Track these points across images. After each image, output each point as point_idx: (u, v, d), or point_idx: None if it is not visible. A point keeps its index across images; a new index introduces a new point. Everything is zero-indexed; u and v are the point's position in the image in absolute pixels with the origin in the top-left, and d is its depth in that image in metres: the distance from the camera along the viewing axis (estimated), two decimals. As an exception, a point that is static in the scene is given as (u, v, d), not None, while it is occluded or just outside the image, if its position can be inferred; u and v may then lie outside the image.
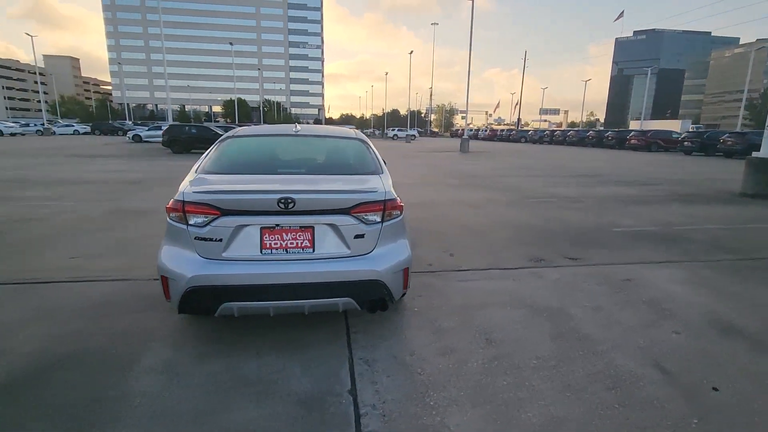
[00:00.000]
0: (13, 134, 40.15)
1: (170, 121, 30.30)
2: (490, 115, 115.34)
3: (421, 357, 2.68)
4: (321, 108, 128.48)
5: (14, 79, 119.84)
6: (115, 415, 2.10)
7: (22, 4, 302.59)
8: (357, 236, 2.56)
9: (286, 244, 2.51)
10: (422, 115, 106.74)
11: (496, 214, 7.09)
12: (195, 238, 2.44)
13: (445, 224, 6.35)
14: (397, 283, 2.70)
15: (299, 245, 2.52)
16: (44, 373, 2.42)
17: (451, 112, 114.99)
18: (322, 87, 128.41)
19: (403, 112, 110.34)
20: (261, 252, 2.49)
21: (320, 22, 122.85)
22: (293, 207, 2.44)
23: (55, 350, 2.66)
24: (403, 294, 2.86)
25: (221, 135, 18.81)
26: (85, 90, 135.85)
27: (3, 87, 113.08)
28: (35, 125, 46.67)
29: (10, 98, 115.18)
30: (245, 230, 2.47)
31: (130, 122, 57.59)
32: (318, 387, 2.35)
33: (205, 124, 24.39)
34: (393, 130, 58.69)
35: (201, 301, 2.44)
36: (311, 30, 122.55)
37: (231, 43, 66.10)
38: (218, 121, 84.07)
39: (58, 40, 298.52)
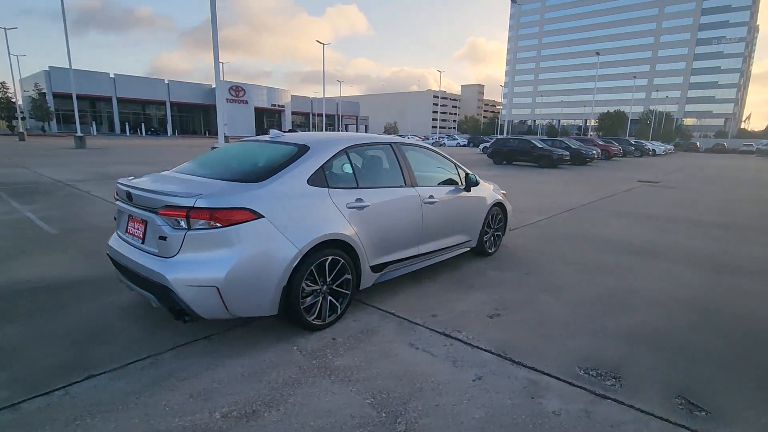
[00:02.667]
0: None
1: (541, 136, 32.53)
2: None
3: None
4: (731, 117, 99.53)
5: (440, 105, 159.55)
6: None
7: (463, 48, 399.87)
8: (161, 237, 2.68)
9: (133, 231, 2.96)
10: None
11: None
12: (113, 218, 3.36)
13: None
14: (203, 299, 2.58)
15: (137, 234, 2.92)
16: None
17: None
18: (739, 91, 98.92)
19: None
20: (125, 233, 3.08)
21: (750, 7, 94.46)
22: (133, 201, 2.93)
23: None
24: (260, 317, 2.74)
25: (540, 148, 19.22)
26: (484, 110, 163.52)
27: (435, 111, 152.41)
28: (433, 138, 61.17)
29: (434, 119, 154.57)
30: (123, 215, 3.12)
31: (494, 135, 65.05)
32: (141, 345, 2.83)
33: (527, 137, 24.80)
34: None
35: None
36: (733, 20, 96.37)
37: (598, 53, 62.12)
38: (595, 135, 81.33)
39: (480, 72, 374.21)
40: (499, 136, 28.28)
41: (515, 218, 7.53)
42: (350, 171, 3.46)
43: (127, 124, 65.65)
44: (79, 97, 61.47)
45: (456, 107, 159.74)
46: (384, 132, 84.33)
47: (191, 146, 32.54)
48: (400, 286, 4.08)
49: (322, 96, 49.35)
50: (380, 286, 3.97)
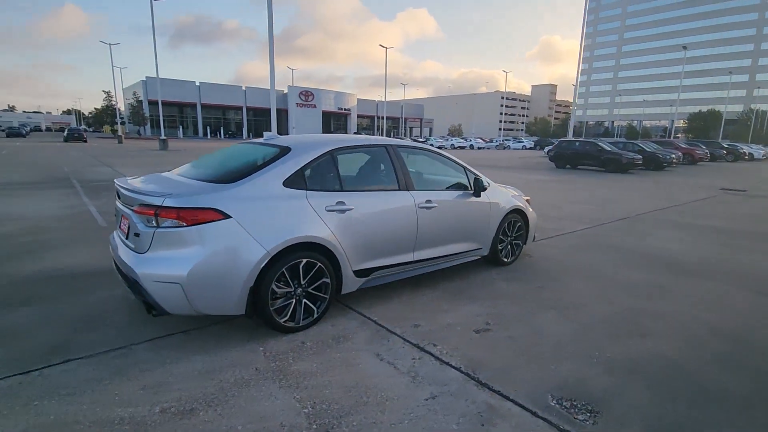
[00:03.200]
0: (479, 148, 53.08)
1: (618, 138, 30.45)
2: None
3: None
4: None
5: (509, 107, 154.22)
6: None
7: (536, 47, 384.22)
8: (135, 234, 2.81)
9: (122, 228, 3.11)
10: None
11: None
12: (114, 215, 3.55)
13: None
14: (167, 295, 2.68)
15: (123, 230, 3.07)
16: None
17: None
18: None
19: None
20: (118, 229, 3.25)
21: None
22: (121, 199, 3.09)
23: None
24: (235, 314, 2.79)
25: (609, 151, 18.07)
26: (556, 111, 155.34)
27: (502, 113, 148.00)
28: (497, 141, 59.27)
29: (502, 121, 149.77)
30: (118, 213, 3.27)
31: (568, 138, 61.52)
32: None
33: (594, 140, 22.93)
34: None
35: None
36: None
37: (684, 47, 56.03)
38: (682, 137, 73.85)
39: (555, 71, 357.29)
40: (563, 138, 26.53)
41: (554, 226, 7.04)
42: (334, 173, 3.41)
43: (208, 127, 71.26)
44: (169, 104, 68.21)
45: (525, 108, 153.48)
46: (448, 135, 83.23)
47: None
48: (396, 292, 3.96)
49: (384, 99, 49.67)
50: (373, 292, 3.89)
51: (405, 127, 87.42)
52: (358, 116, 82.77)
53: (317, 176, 3.32)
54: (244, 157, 3.47)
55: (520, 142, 59.35)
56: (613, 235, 6.64)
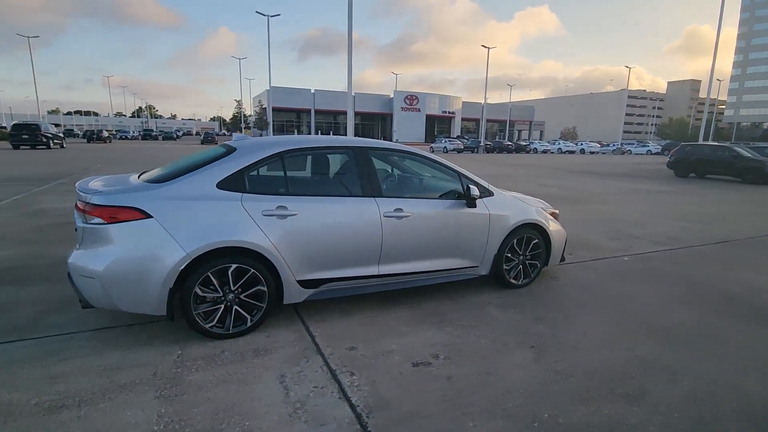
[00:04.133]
0: (591, 152, 48.05)
1: None
2: None
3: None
4: None
5: (636, 107, 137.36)
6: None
7: (680, 39, 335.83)
8: (76, 228, 2.93)
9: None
10: None
11: None
12: None
13: None
14: (90, 289, 2.75)
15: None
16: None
17: None
18: None
19: None
20: None
21: None
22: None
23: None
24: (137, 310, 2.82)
25: (747, 158, 15.58)
26: (698, 111, 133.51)
27: (631, 114, 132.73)
28: (614, 145, 53.06)
29: (627, 123, 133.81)
30: None
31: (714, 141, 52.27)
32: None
33: (729, 144, 18.73)
34: None
35: None
36: None
37: None
38: None
39: (700, 66, 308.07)
40: (689, 142, 22.32)
41: (618, 245, 5.99)
42: (281, 177, 3.23)
43: (320, 131, 76.60)
44: (288, 110, 74.99)
45: (658, 108, 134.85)
46: (560, 138, 76.81)
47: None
48: (364, 306, 3.63)
49: (484, 102, 47.91)
50: (338, 304, 3.61)
51: (511, 130, 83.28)
52: (463, 119, 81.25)
53: (260, 179, 3.17)
54: (196, 158, 3.47)
55: (644, 146, 52.22)
56: (693, 262, 5.32)
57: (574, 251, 5.66)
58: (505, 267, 4.08)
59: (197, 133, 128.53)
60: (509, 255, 4.07)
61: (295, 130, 75.81)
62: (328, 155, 3.59)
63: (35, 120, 33.11)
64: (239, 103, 71.68)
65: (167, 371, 2.60)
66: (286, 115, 76.86)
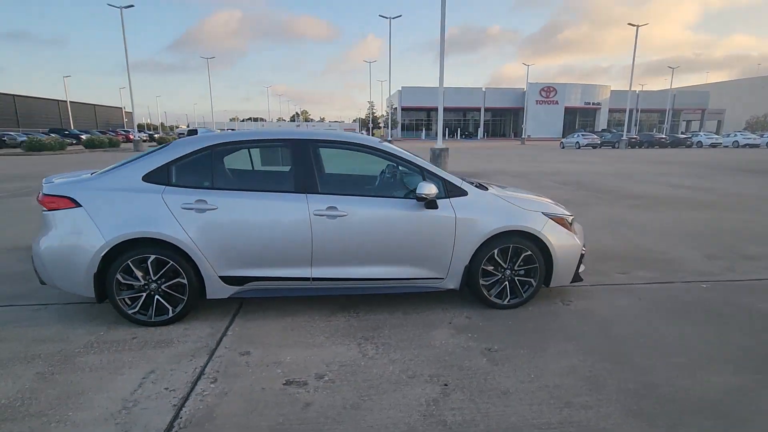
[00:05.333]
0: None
1: None
2: None
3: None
4: None
5: None
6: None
7: None
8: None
9: None
10: None
11: None
12: None
13: None
14: (38, 267, 3.05)
15: None
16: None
17: None
18: None
19: None
20: None
21: None
22: None
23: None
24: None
25: None
26: None
27: None
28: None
29: None
30: None
31: None
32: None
33: None
34: None
35: None
36: None
37: None
38: None
39: None
40: None
41: (707, 266, 4.52)
42: (207, 170, 3.18)
43: (447, 129, 76.17)
44: (417, 109, 76.45)
45: None
46: (745, 128, 61.34)
47: (477, 149, 34.70)
48: (307, 309, 3.39)
49: (629, 89, 41.36)
50: (285, 304, 3.45)
51: (675, 121, 70.38)
52: (611, 110, 71.67)
53: (186, 172, 3.17)
54: (143, 153, 3.62)
55: None
56: (813, 298, 3.67)
57: (636, 268, 4.45)
58: (482, 282, 3.37)
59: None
60: (489, 268, 3.35)
61: (423, 129, 76.75)
62: (266, 148, 3.43)
63: (195, 126, 40.35)
64: (371, 104, 75.54)
65: (71, 350, 2.79)
66: (416, 114, 78.33)
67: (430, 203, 3.20)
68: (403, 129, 78.12)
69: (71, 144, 35.34)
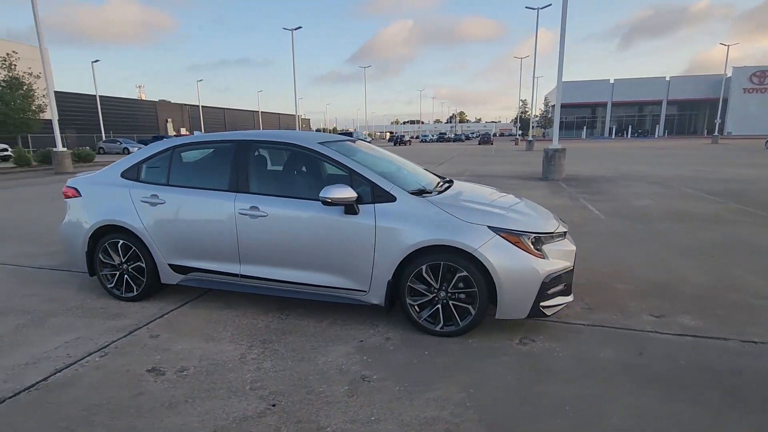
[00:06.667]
0: None
1: None
2: None
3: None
4: None
5: None
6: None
7: None
8: None
9: None
10: None
11: None
12: None
13: None
14: (64, 246, 3.82)
15: None
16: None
17: None
18: None
19: None
20: None
21: None
22: None
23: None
24: None
25: None
26: None
27: None
28: None
29: None
30: None
31: None
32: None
33: None
34: None
35: None
36: None
37: None
38: None
39: None
40: None
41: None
42: (165, 169, 3.52)
43: (614, 127, 66.72)
44: (581, 105, 68.96)
45: None
46: None
47: (637, 149, 29.73)
48: (250, 304, 3.49)
49: None
50: (235, 299, 3.63)
51: None
52: None
53: (150, 170, 3.58)
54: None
55: None
56: None
57: (687, 313, 3.29)
58: (409, 301, 2.95)
59: (494, 134, 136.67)
60: (419, 287, 2.91)
61: (585, 126, 68.88)
62: (214, 149, 3.61)
63: (350, 132, 43.97)
64: (524, 102, 71.05)
65: (53, 310, 3.46)
66: (578, 111, 70.74)
67: (349, 208, 2.94)
68: (561, 128, 71.65)
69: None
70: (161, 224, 3.41)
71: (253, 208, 3.16)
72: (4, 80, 21.20)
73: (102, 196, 3.66)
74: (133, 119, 50.35)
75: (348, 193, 2.87)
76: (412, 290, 2.93)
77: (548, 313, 2.86)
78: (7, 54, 21.44)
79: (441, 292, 2.88)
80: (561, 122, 71.37)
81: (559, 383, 2.39)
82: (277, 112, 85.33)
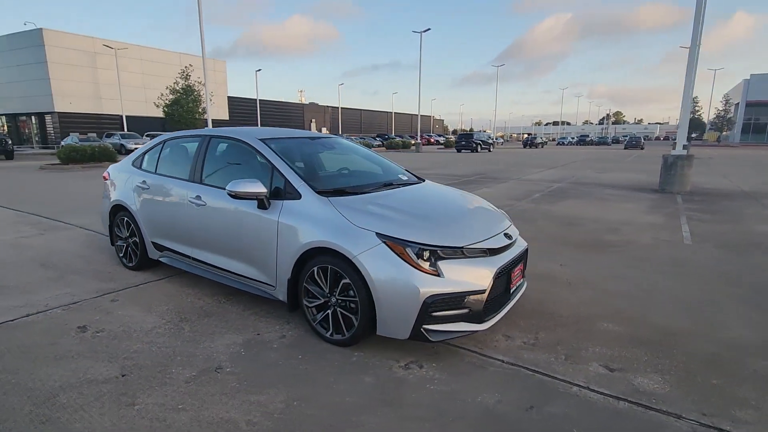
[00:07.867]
0: None
1: None
2: None
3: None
4: None
5: None
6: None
7: None
8: None
9: None
10: None
11: None
12: None
13: None
14: (102, 220, 4.67)
15: None
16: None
17: None
18: None
19: None
20: None
21: None
22: None
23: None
24: None
25: None
26: None
27: None
28: None
29: None
30: None
31: None
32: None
33: None
34: None
35: None
36: None
37: None
38: None
39: None
40: None
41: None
42: (155, 159, 4.04)
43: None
44: (773, 104, 54.83)
45: None
46: None
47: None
48: (214, 287, 3.81)
49: None
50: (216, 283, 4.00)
51: None
52: None
53: (148, 160, 4.15)
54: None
55: None
56: None
57: (647, 371, 2.56)
58: (305, 302, 2.87)
59: (657, 138, 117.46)
60: (314, 289, 2.82)
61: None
62: (191, 142, 3.96)
63: (470, 132, 42.44)
64: (694, 101, 59.42)
65: (86, 269, 4.29)
66: (770, 111, 56.44)
67: (261, 203, 3.00)
68: (744, 131, 58.43)
69: (378, 146, 44.77)
70: (145, 205, 3.96)
71: (197, 197, 3.45)
72: (182, 88, 26.42)
73: (118, 180, 4.39)
74: (284, 119, 57.71)
75: (254, 187, 2.92)
76: (308, 292, 2.85)
77: (433, 339, 2.48)
78: (185, 67, 26.71)
79: (333, 298, 2.74)
80: (747, 124, 57.91)
81: (388, 418, 2.08)
82: (409, 113, 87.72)
